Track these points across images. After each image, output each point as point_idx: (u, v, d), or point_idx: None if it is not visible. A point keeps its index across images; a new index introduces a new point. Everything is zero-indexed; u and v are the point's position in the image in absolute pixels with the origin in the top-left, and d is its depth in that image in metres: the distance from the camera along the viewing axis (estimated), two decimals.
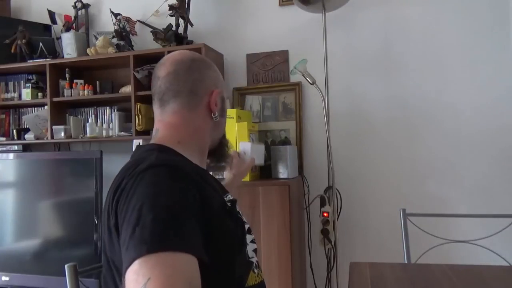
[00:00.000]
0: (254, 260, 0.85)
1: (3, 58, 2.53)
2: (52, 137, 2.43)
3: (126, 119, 2.43)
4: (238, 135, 1.87)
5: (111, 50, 2.34)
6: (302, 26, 2.24)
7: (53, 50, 2.58)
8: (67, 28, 2.55)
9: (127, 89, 2.32)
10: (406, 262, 1.45)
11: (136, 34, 2.46)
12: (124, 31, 2.39)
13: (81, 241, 2.18)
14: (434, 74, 2.07)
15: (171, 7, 2.25)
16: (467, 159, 2.02)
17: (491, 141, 1.99)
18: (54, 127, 2.43)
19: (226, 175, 1.30)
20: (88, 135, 2.40)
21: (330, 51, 2.10)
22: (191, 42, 2.33)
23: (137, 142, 2.26)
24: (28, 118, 2.55)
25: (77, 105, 2.54)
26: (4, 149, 2.61)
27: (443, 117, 2.06)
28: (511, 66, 1.96)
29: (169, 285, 0.55)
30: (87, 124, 2.42)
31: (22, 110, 2.65)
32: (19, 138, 2.56)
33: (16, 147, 2.61)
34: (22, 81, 2.61)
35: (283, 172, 1.92)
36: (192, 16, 2.32)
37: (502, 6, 1.98)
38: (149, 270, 0.56)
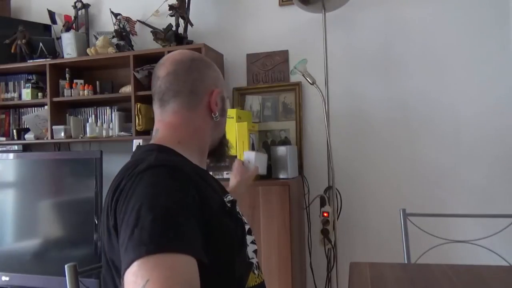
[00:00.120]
0: (254, 261, 0.85)
1: (3, 58, 2.53)
2: (52, 137, 2.43)
3: (126, 119, 2.42)
4: (238, 135, 1.87)
5: (111, 50, 2.34)
6: (302, 26, 2.24)
7: (53, 50, 2.58)
8: (67, 28, 2.55)
9: (127, 89, 2.32)
10: (406, 262, 1.45)
11: (136, 34, 2.46)
12: (124, 31, 2.39)
13: (81, 241, 2.18)
14: (434, 74, 2.07)
15: (171, 7, 2.25)
16: (467, 159, 2.02)
17: (491, 141, 1.99)
18: (54, 127, 2.43)
19: (230, 182, 1.32)
20: (88, 135, 2.39)
21: (330, 51, 2.10)
22: (191, 42, 2.33)
23: (137, 142, 2.26)
24: (28, 118, 2.55)
25: (77, 105, 2.54)
26: (4, 149, 2.61)
27: (443, 117, 2.06)
28: (511, 66, 1.96)
29: (168, 287, 0.55)
30: (87, 124, 2.42)
31: (22, 110, 2.65)
32: (19, 138, 2.56)
33: (16, 147, 2.61)
34: (22, 81, 2.61)
35: (283, 172, 1.92)
36: (192, 16, 2.32)
37: (502, 6, 1.98)
38: (148, 272, 0.56)
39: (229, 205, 0.81)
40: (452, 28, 2.04)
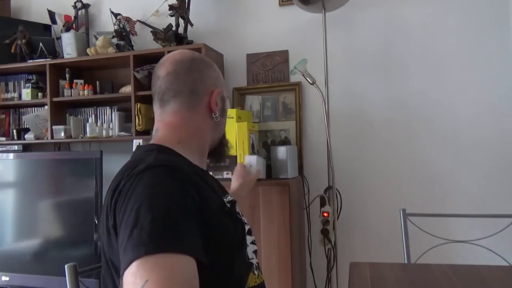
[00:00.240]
0: (254, 261, 0.85)
1: (3, 58, 2.53)
2: (52, 137, 2.43)
3: (126, 119, 2.42)
4: (238, 135, 1.87)
5: (111, 50, 2.34)
6: (302, 26, 2.24)
7: (53, 50, 2.58)
8: (67, 28, 2.55)
9: (127, 89, 2.32)
10: (406, 262, 1.45)
11: (136, 34, 2.46)
12: (124, 31, 2.39)
13: (81, 241, 2.18)
14: (434, 74, 2.07)
15: (171, 7, 2.25)
16: (467, 159, 2.02)
17: (491, 141, 1.99)
18: (54, 127, 2.43)
19: (232, 185, 1.33)
20: (88, 135, 2.39)
21: (330, 51, 2.10)
22: (191, 42, 2.33)
23: (137, 142, 2.26)
24: (28, 118, 2.55)
25: (77, 105, 2.54)
26: (4, 149, 2.61)
27: (443, 117, 2.06)
28: (511, 66, 1.96)
29: (167, 287, 0.55)
30: (87, 124, 2.42)
31: (22, 110, 2.65)
32: (19, 138, 2.56)
33: (16, 147, 2.61)
34: (22, 81, 2.61)
35: (283, 172, 1.92)
36: (192, 16, 2.32)
37: (502, 6, 1.98)
38: (147, 272, 0.55)
39: (228, 205, 0.81)
40: (452, 28, 2.04)
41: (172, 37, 2.26)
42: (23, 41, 2.51)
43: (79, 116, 2.52)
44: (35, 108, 2.61)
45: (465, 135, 2.02)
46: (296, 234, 1.93)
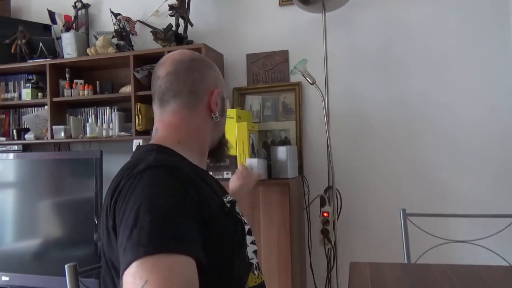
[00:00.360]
0: (254, 261, 0.85)
1: (3, 58, 2.53)
2: (52, 137, 2.43)
3: (126, 119, 2.42)
4: (238, 135, 1.87)
5: (111, 50, 2.34)
6: (302, 26, 2.24)
7: (53, 50, 2.58)
8: (67, 28, 2.55)
9: (127, 89, 2.32)
10: (406, 262, 1.45)
11: (136, 34, 2.46)
12: (124, 31, 2.39)
13: (81, 241, 2.18)
14: (434, 74, 2.07)
15: (171, 7, 2.25)
16: (467, 158, 2.02)
17: (491, 141, 1.99)
18: (54, 127, 2.43)
19: (231, 185, 1.33)
20: (88, 135, 2.39)
21: (330, 51, 2.10)
22: (191, 42, 2.33)
23: (137, 142, 2.26)
24: (28, 118, 2.55)
25: (77, 105, 2.54)
26: (4, 149, 2.61)
27: (443, 117, 2.05)
28: (511, 66, 1.96)
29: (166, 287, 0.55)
30: (87, 124, 2.42)
31: (22, 110, 2.65)
32: (19, 138, 2.56)
33: (16, 147, 2.61)
34: (22, 81, 2.61)
35: (283, 172, 1.92)
36: (192, 16, 2.32)
37: (502, 6, 1.97)
38: (147, 273, 0.55)
39: (228, 205, 0.81)
40: (452, 28, 2.04)
41: (172, 37, 2.26)
42: (23, 41, 2.51)
43: (79, 116, 2.52)
44: (35, 108, 2.61)
45: (465, 135, 2.02)
46: (296, 234, 1.93)
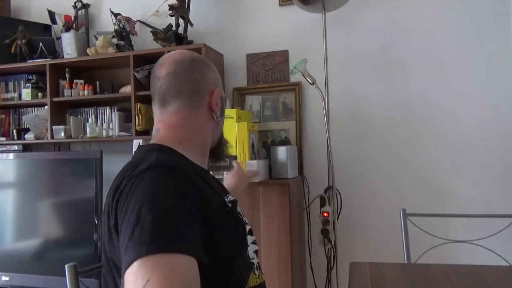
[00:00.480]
0: (255, 261, 0.85)
1: (3, 58, 2.53)
2: (52, 137, 2.43)
3: (126, 119, 2.42)
4: (238, 135, 1.87)
5: (111, 50, 2.34)
6: (302, 26, 2.24)
7: (53, 50, 2.58)
8: (67, 28, 2.55)
9: (127, 89, 2.32)
10: (406, 262, 1.45)
11: (136, 34, 2.46)
12: (124, 31, 2.39)
13: (81, 241, 2.18)
14: (434, 74, 2.07)
15: (171, 7, 2.25)
16: (467, 158, 2.02)
17: (491, 141, 1.99)
18: (54, 127, 2.43)
19: (227, 183, 1.33)
20: (88, 135, 2.39)
21: (330, 51, 2.10)
22: (191, 42, 2.33)
23: (137, 142, 2.26)
24: (28, 118, 2.55)
25: (77, 105, 2.54)
26: (4, 149, 2.61)
27: (443, 117, 2.06)
28: (511, 66, 1.96)
29: (167, 287, 0.55)
30: (87, 124, 2.42)
31: (22, 110, 2.65)
32: (19, 138, 2.56)
33: (16, 147, 2.61)
34: (22, 81, 2.61)
35: (283, 172, 1.92)
36: (192, 16, 2.32)
37: (502, 6, 1.98)
38: (148, 272, 0.56)
39: (229, 205, 0.81)
40: (452, 28, 2.04)
41: (172, 37, 2.26)
42: (23, 41, 2.51)
43: (79, 116, 2.52)
44: (35, 108, 2.61)
45: (465, 135, 2.02)
46: (296, 234, 1.93)
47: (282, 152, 1.93)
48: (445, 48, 2.05)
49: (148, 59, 2.25)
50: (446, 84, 2.05)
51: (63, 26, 2.58)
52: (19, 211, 2.35)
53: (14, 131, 2.57)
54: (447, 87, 2.05)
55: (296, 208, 1.97)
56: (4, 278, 2.27)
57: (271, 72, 2.30)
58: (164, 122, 0.86)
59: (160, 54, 2.13)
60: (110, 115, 2.46)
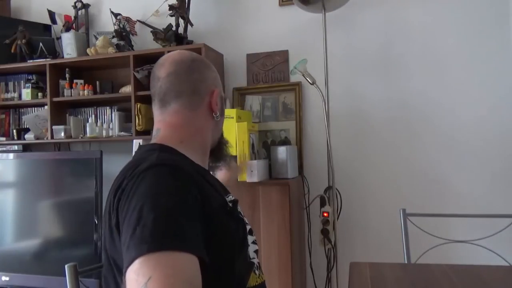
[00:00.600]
0: (255, 261, 0.85)
1: (3, 58, 2.53)
2: (52, 137, 2.43)
3: (126, 119, 2.42)
4: (238, 135, 1.87)
5: (111, 50, 2.34)
6: (302, 26, 2.24)
7: (53, 50, 2.58)
8: (67, 28, 2.55)
9: (127, 89, 2.32)
10: (406, 262, 1.45)
11: (136, 34, 2.46)
12: (124, 31, 2.39)
13: (81, 241, 2.18)
14: (434, 74, 2.07)
15: (171, 7, 2.25)
16: (467, 158, 2.02)
17: (491, 141, 1.99)
18: (54, 127, 2.43)
19: (221, 177, 1.32)
20: (88, 135, 2.39)
21: (330, 51, 2.10)
22: (191, 42, 2.33)
23: (137, 142, 2.26)
24: (28, 118, 2.55)
25: (77, 105, 2.54)
26: (4, 149, 2.61)
27: (443, 117, 2.06)
28: (511, 66, 1.96)
29: (169, 285, 0.55)
30: (87, 124, 2.42)
31: (22, 110, 2.65)
32: (19, 138, 2.56)
33: (16, 147, 2.61)
34: (22, 81, 2.61)
35: (283, 172, 1.92)
36: (192, 16, 2.32)
37: (502, 6, 1.98)
38: (150, 270, 0.56)
39: (230, 204, 0.81)
40: (452, 28, 2.04)
41: (172, 37, 2.26)
42: (23, 41, 2.51)
43: (79, 116, 2.52)
44: (35, 108, 2.61)
45: (465, 135, 2.02)
46: (296, 234, 1.93)
47: (282, 152, 1.93)
48: (445, 48, 2.05)
49: (148, 59, 2.25)
50: (446, 84, 2.05)
51: (63, 26, 2.58)
52: (19, 211, 2.35)
53: (14, 131, 2.57)
54: (447, 87, 2.05)
55: (296, 208, 1.97)
56: (4, 278, 2.27)
57: (271, 72, 2.30)
58: (164, 122, 0.87)
59: (160, 54, 2.13)
60: (110, 115, 2.46)
